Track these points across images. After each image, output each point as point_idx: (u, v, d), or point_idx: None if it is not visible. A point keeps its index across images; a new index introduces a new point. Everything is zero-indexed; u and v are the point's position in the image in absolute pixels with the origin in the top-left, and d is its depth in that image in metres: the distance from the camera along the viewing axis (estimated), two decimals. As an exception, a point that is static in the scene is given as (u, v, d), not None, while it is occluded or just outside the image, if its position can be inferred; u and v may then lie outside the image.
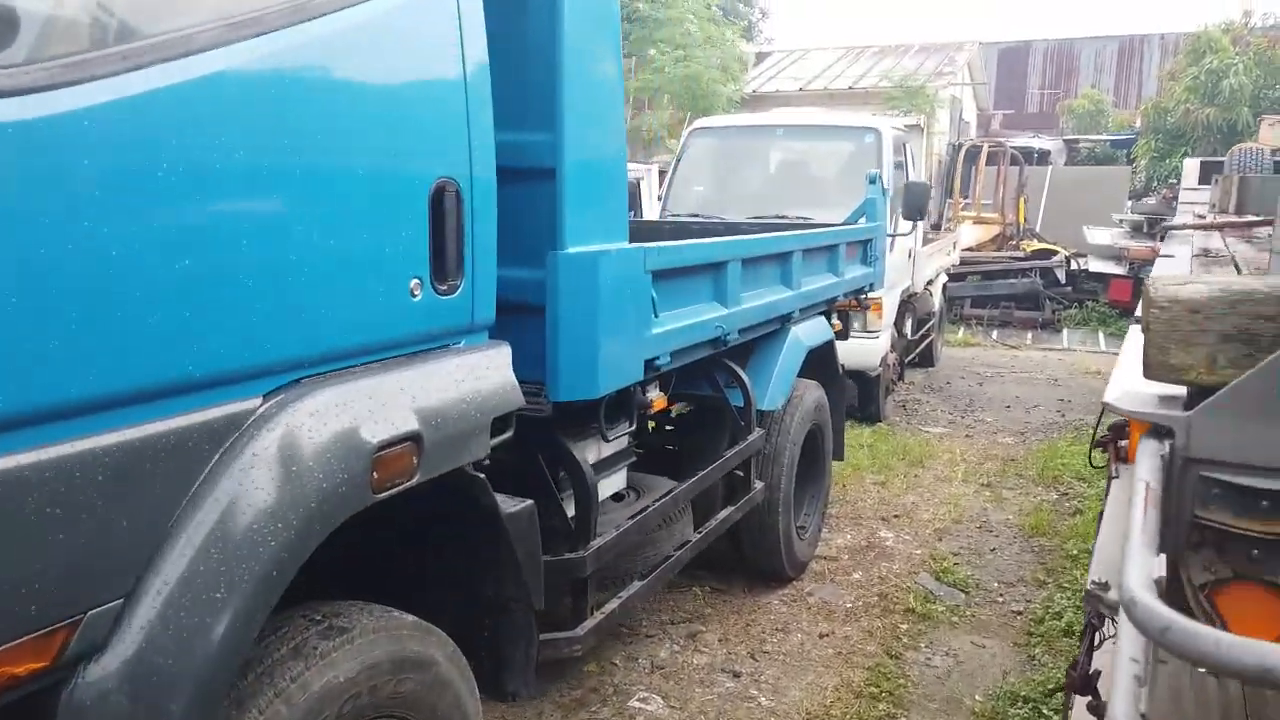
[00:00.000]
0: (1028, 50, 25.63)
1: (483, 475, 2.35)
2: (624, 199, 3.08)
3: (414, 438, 2.08)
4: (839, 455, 5.61)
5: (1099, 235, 14.60)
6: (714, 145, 8.79)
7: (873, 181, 5.95)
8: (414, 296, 2.20)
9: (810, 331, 4.89)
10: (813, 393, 4.97)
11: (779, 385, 4.49)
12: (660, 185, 10.09)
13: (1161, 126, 16.81)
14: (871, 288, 5.93)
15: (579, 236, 2.78)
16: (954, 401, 9.85)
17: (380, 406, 2.03)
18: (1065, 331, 13.72)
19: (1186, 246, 4.57)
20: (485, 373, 2.36)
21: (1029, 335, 13.60)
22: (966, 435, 8.50)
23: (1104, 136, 21.09)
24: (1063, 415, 9.32)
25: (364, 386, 2.02)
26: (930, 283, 10.79)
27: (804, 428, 4.83)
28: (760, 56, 23.75)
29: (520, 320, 2.76)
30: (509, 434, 2.45)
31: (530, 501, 2.52)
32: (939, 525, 5.90)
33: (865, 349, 8.06)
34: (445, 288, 2.29)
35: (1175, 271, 3.74)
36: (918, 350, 10.53)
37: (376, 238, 2.08)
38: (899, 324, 9.12)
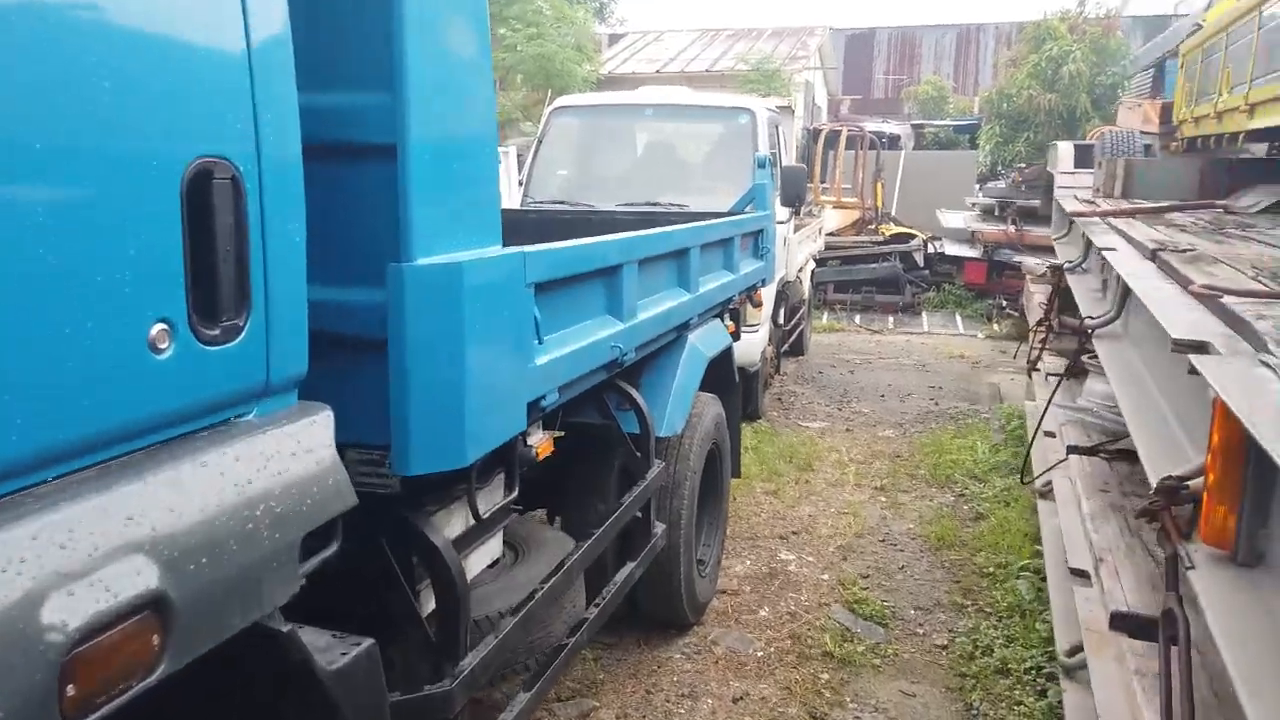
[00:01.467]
0: (873, 37, 25.83)
1: (288, 627, 1.48)
2: (495, 190, 2.23)
3: (154, 603, 1.20)
4: (736, 472, 4.92)
5: (952, 219, 14.57)
6: (578, 125, 7.95)
7: (762, 165, 5.27)
8: (158, 351, 1.30)
9: (708, 338, 4.16)
10: (711, 408, 4.25)
11: (679, 405, 3.73)
12: (520, 169, 9.19)
13: (1004, 112, 16.99)
14: (764, 283, 5.26)
15: (433, 241, 1.92)
16: (829, 392, 9.40)
17: (85, 556, 1.13)
18: (925, 315, 13.61)
19: (1114, 235, 4.08)
20: (289, 463, 1.48)
21: (891, 319, 13.42)
22: (847, 429, 8.03)
23: (948, 121, 21.37)
24: (936, 403, 9.00)
25: (51, 521, 1.12)
26: (800, 270, 10.32)
27: (704, 450, 4.11)
28: (614, 38, 22.97)
29: (353, 362, 1.90)
30: (333, 549, 1.58)
31: (368, 643, 1.66)
32: (841, 541, 5.31)
33: (746, 344, 7.41)
34: (217, 332, 1.40)
35: (1137, 268, 3.18)
36: (790, 340, 10.05)
37: (77, 255, 1.17)
38: (774, 315, 8.57)
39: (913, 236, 14.30)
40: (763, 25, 21.34)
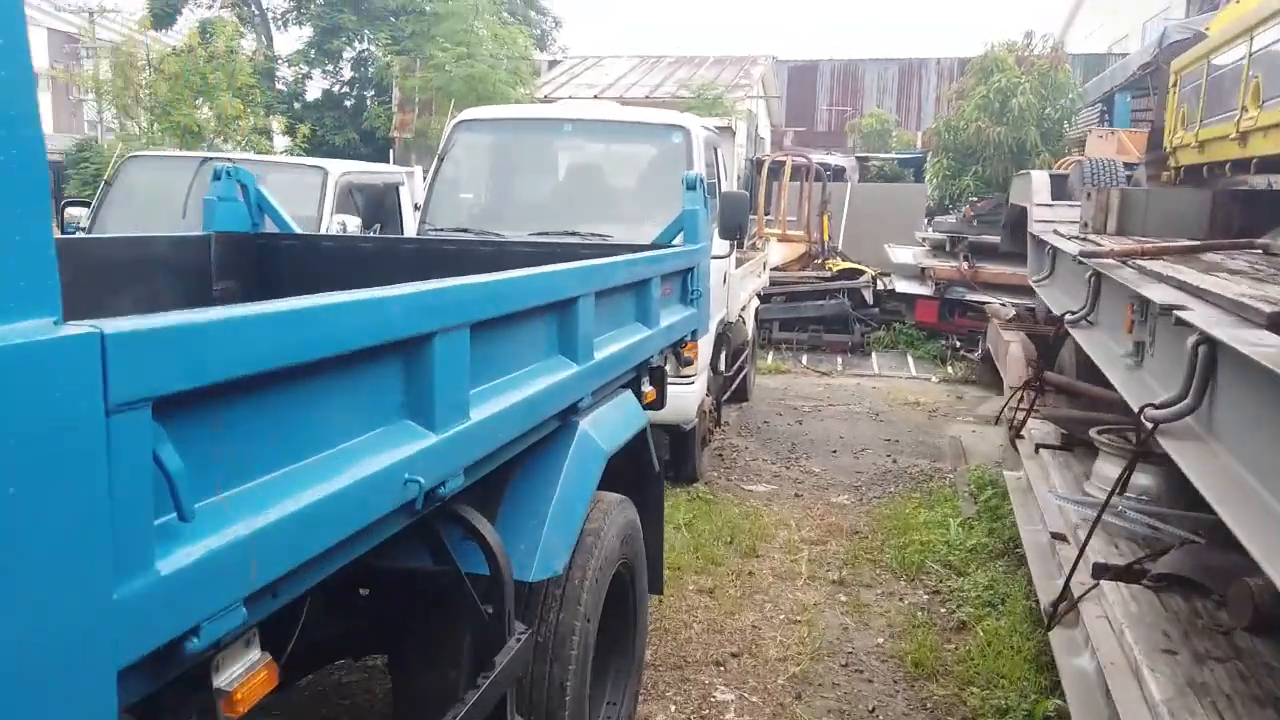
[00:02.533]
0: (816, 69, 25.04)
1: None
2: (37, 223, 0.96)
3: None
4: (656, 587, 3.66)
5: (902, 254, 13.61)
6: (487, 142, 6.71)
7: (691, 187, 4.07)
8: None
9: (610, 422, 2.90)
10: (619, 515, 2.99)
11: (561, 531, 2.47)
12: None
13: (951, 145, 16.18)
14: (694, 335, 4.04)
15: None
16: (775, 446, 8.22)
17: None
18: (875, 355, 12.55)
19: (1162, 286, 2.94)
20: None
21: (839, 360, 12.33)
22: (796, 494, 6.84)
23: (893, 155, 20.58)
24: (894, 461, 7.87)
25: None
26: (743, 309, 9.17)
27: (606, 579, 2.84)
28: (553, 64, 21.86)
29: None
30: None
31: None
32: (794, 667, 4.07)
33: (680, 400, 6.21)
34: None
35: (1257, 345, 2.01)
36: (733, 387, 8.87)
37: None
38: (714, 361, 7.38)
39: (861, 272, 13.28)
40: (705, 54, 20.39)
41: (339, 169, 6.99)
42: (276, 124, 18.36)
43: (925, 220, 15.43)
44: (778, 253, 13.26)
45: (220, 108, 13.94)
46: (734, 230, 6.18)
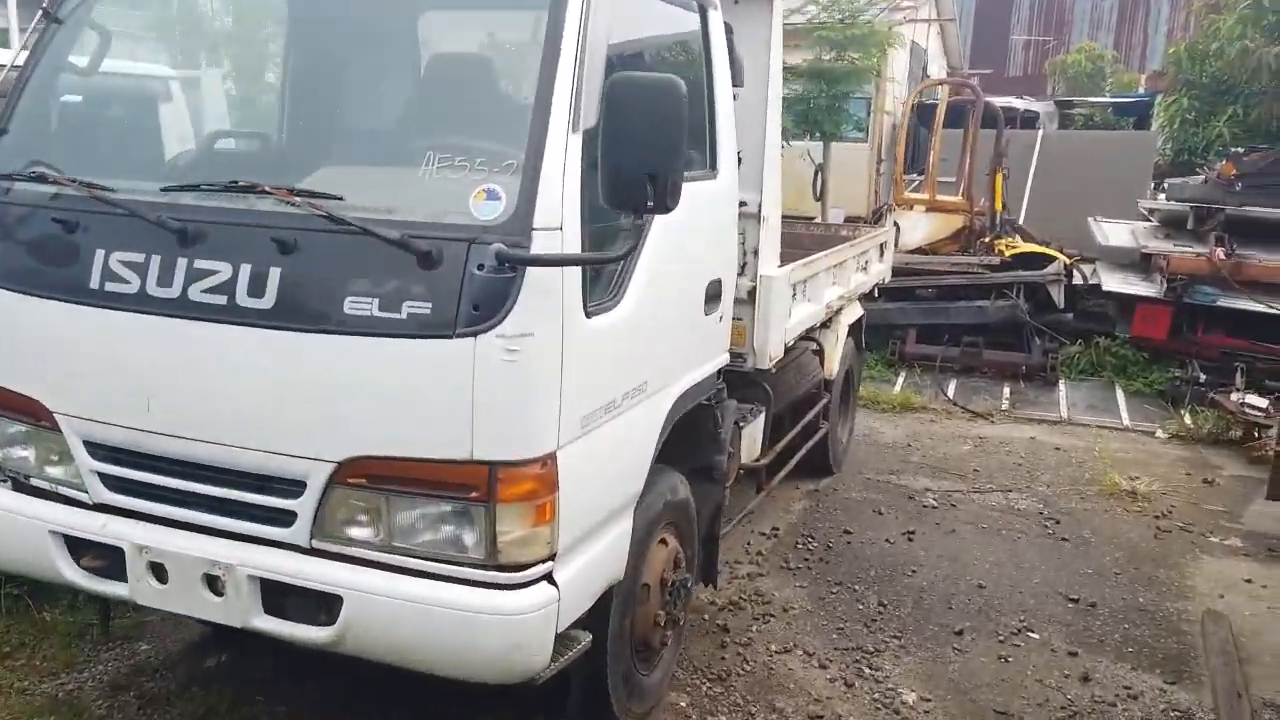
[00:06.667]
0: (1011, -3, 19.42)
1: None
2: None
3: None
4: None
5: (1116, 233, 8.72)
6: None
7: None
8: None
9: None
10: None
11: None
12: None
13: (1199, 78, 10.86)
14: None
15: None
16: (844, 606, 4.09)
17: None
18: (1064, 387, 7.87)
19: None
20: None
21: (1007, 391, 7.76)
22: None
23: (1105, 99, 15.05)
24: (1086, 678, 3.56)
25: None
26: (817, 330, 4.98)
27: None
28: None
29: None
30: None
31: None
32: None
33: (487, 631, 2.26)
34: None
35: None
36: (788, 466, 4.75)
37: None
38: (701, 455, 3.28)
39: (1049, 259, 8.53)
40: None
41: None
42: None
43: (1153, 184, 10.31)
44: (921, 228, 8.77)
45: None
46: (632, 188, 2.06)
